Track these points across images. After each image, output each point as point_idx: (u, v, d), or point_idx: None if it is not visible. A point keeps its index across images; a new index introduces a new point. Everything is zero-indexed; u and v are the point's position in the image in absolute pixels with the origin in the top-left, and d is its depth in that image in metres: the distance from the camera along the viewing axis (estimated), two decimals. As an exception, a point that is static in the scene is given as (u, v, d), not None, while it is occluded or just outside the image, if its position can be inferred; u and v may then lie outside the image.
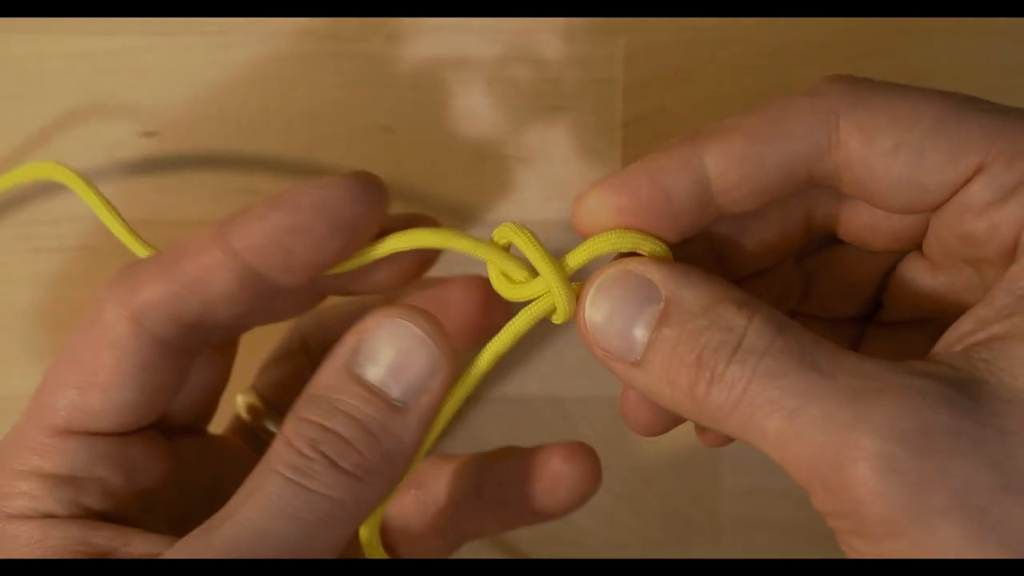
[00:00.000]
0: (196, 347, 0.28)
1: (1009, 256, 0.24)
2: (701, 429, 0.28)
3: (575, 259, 0.26)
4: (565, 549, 0.39)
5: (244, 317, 0.27)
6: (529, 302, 0.26)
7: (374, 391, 0.26)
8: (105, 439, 0.27)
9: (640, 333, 0.24)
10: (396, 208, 0.37)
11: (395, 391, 0.26)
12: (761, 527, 0.39)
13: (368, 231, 0.27)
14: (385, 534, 0.31)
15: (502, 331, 0.27)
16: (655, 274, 0.25)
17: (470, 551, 0.39)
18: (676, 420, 0.27)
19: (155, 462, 0.28)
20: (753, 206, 0.25)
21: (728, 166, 0.25)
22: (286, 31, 0.37)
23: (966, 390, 0.22)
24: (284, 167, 0.37)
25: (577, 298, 0.26)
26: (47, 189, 0.37)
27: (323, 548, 0.25)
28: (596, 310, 0.25)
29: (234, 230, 0.26)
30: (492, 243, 0.27)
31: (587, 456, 0.31)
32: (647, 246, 0.25)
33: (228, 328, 0.28)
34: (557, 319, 0.26)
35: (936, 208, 0.25)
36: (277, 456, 0.25)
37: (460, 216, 0.37)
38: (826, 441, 0.22)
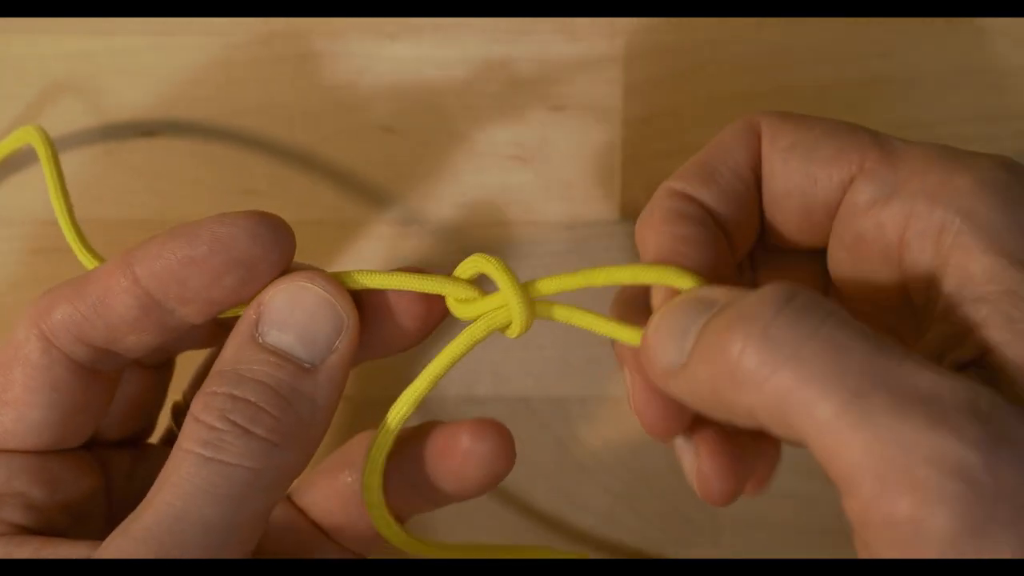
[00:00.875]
0: (118, 369, 0.28)
1: (895, 255, 0.25)
2: (706, 477, 0.27)
3: (550, 285, 0.27)
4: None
5: (161, 341, 0.27)
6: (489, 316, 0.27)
7: (281, 354, 0.26)
8: (24, 455, 0.27)
9: (690, 338, 0.24)
10: (397, 207, 0.38)
11: (303, 353, 0.26)
12: (761, 527, 0.39)
13: (267, 272, 0.27)
14: (324, 517, 0.31)
15: (457, 337, 0.28)
16: (717, 292, 0.25)
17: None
18: (686, 414, 0.27)
19: (82, 476, 0.28)
20: (730, 216, 0.27)
21: (696, 186, 0.27)
22: (286, 31, 0.37)
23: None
24: (284, 167, 0.37)
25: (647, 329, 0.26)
26: (46, 188, 0.37)
27: (247, 522, 0.25)
28: (655, 332, 0.25)
29: (136, 257, 0.26)
30: (430, 274, 0.28)
31: (497, 433, 0.30)
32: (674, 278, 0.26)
33: (152, 351, 0.28)
34: (511, 332, 0.27)
35: (831, 210, 0.27)
36: (187, 435, 0.25)
37: (460, 216, 0.37)
38: (894, 436, 0.21)
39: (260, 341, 0.26)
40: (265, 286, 0.27)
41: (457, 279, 0.28)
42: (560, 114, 0.37)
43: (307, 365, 0.26)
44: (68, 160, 0.37)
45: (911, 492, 0.21)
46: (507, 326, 0.27)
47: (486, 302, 0.27)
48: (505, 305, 0.27)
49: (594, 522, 0.39)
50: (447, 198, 0.37)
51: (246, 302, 0.27)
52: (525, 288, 0.27)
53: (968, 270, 0.24)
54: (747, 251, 0.29)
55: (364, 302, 0.28)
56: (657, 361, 0.25)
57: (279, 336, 0.26)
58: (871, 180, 0.26)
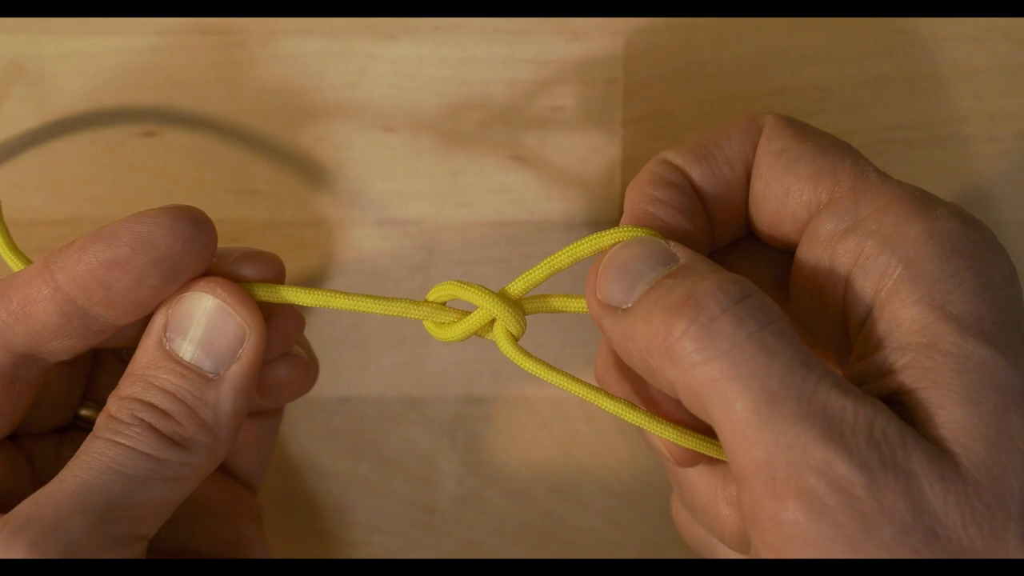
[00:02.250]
0: (38, 373, 0.29)
1: (841, 286, 0.26)
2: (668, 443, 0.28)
3: (520, 284, 0.28)
4: (565, 549, 0.39)
5: (86, 345, 0.28)
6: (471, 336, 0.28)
7: (185, 365, 0.27)
8: None
9: (642, 286, 0.26)
10: (397, 207, 0.37)
11: (206, 363, 0.27)
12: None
13: (192, 268, 0.27)
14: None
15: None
16: (680, 249, 0.26)
17: (470, 552, 0.39)
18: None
19: (6, 466, 0.29)
20: (715, 197, 0.28)
21: (688, 162, 0.28)
22: (286, 31, 0.37)
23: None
24: (284, 167, 0.37)
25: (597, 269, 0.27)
26: (45, 189, 0.37)
27: (147, 505, 0.26)
28: (612, 258, 0.26)
29: (57, 262, 0.27)
30: (404, 301, 0.28)
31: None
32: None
33: (75, 351, 0.28)
34: (502, 337, 0.28)
35: (798, 225, 0.28)
36: (100, 427, 0.26)
37: (461, 216, 0.37)
38: (793, 443, 0.23)
39: (167, 347, 0.27)
40: (186, 283, 0.27)
41: (430, 304, 0.29)
42: (560, 114, 0.37)
43: (211, 375, 0.27)
44: (68, 160, 0.37)
45: (796, 497, 0.22)
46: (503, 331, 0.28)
47: (469, 320, 0.28)
48: (491, 315, 0.28)
49: (594, 522, 0.39)
50: (447, 198, 0.37)
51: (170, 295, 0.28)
52: (501, 294, 0.28)
53: (898, 317, 0.25)
54: (731, 239, 0.30)
55: (280, 313, 0.29)
56: (603, 292, 0.26)
57: (183, 344, 0.27)
58: (835, 211, 0.27)
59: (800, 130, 0.28)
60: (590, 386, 0.28)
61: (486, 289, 0.28)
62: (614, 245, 0.27)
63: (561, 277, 0.29)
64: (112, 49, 0.37)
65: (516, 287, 0.28)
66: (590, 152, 0.37)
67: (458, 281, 0.28)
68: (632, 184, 0.29)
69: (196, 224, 0.27)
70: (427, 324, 0.29)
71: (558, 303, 0.28)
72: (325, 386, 0.38)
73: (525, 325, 0.28)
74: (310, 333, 0.38)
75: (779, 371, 0.23)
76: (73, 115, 0.37)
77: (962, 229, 0.25)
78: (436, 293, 0.29)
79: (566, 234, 0.38)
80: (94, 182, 0.37)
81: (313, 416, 0.39)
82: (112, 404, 0.27)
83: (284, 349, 0.30)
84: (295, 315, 0.30)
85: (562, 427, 0.39)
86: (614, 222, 0.37)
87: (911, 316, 0.24)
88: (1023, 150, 0.37)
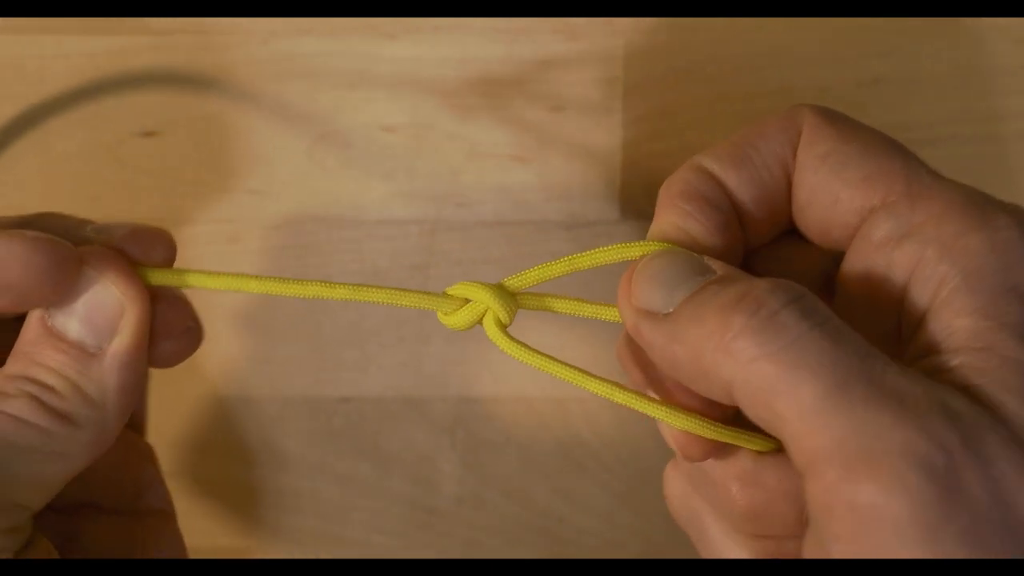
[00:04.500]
0: None
1: (898, 292, 0.26)
2: (680, 435, 0.28)
3: (532, 276, 0.28)
4: (565, 549, 0.39)
5: None
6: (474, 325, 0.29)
7: (67, 340, 0.27)
8: None
9: (682, 292, 0.25)
10: (397, 207, 0.37)
11: (88, 338, 0.27)
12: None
13: (44, 298, 0.27)
14: None
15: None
16: (714, 263, 0.26)
17: (470, 552, 0.39)
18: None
19: None
20: (751, 201, 0.28)
21: (725, 167, 0.27)
22: (286, 31, 0.37)
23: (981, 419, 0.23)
24: (284, 167, 0.37)
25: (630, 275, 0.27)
26: (45, 188, 0.37)
27: (33, 479, 0.27)
28: (647, 265, 0.26)
29: None
30: (416, 292, 0.28)
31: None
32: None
33: None
34: (486, 321, 0.28)
35: (848, 231, 0.27)
36: None
37: (461, 216, 0.37)
38: (867, 426, 0.22)
39: (48, 323, 0.27)
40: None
41: (433, 295, 0.29)
42: (560, 114, 0.37)
43: (92, 349, 0.27)
44: (68, 159, 0.37)
45: (875, 479, 0.22)
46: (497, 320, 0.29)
47: (470, 307, 0.28)
48: (486, 304, 0.28)
49: (594, 522, 0.39)
50: (447, 198, 0.37)
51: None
52: (500, 285, 0.28)
53: (953, 325, 0.24)
54: (767, 240, 0.29)
55: (162, 300, 0.29)
56: (640, 297, 0.26)
57: (64, 320, 0.27)
58: (889, 216, 0.26)
59: (843, 128, 0.27)
60: (581, 371, 0.27)
61: (483, 283, 0.28)
62: (644, 256, 0.27)
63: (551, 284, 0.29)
64: (112, 49, 0.37)
65: (514, 280, 0.28)
66: (590, 152, 0.37)
67: (470, 283, 0.28)
68: (664, 192, 0.28)
69: (52, 259, 0.27)
70: (439, 314, 0.29)
71: (557, 304, 0.28)
72: (325, 386, 0.38)
73: (512, 314, 0.28)
74: (310, 332, 0.38)
75: (846, 359, 0.23)
76: (73, 115, 0.37)
77: (1022, 239, 0.25)
78: (452, 290, 0.29)
79: (566, 234, 0.38)
80: (94, 182, 0.37)
81: (313, 416, 0.39)
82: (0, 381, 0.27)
83: (173, 332, 0.29)
84: (177, 301, 0.29)
85: (562, 427, 0.39)
86: (614, 223, 0.38)
87: (966, 325, 0.24)
88: (1023, 151, 0.37)
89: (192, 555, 0.39)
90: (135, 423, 0.35)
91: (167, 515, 0.34)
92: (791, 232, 0.29)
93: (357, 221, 0.38)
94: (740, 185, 0.27)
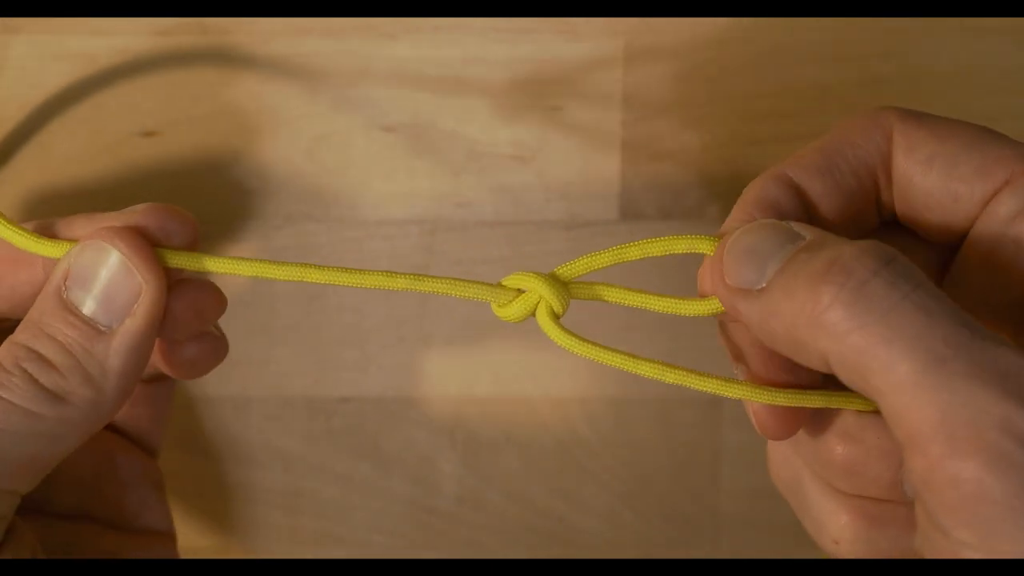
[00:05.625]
0: None
1: None
2: (767, 415, 0.27)
3: (577, 266, 0.28)
4: (565, 549, 0.39)
5: None
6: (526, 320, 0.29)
7: (79, 315, 0.27)
8: None
9: (773, 264, 0.25)
10: (397, 207, 0.37)
11: (100, 314, 0.27)
12: (761, 527, 0.39)
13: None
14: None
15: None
16: (803, 227, 0.25)
17: (470, 552, 0.39)
18: (801, 419, 0.27)
19: None
20: (836, 210, 0.27)
21: (811, 176, 0.27)
22: (286, 30, 0.37)
23: None
24: (284, 167, 0.37)
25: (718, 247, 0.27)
26: (45, 188, 0.37)
27: (21, 460, 0.26)
28: (737, 242, 0.26)
29: None
30: (460, 280, 0.28)
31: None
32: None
33: None
34: (539, 312, 0.28)
35: (972, 223, 0.26)
36: None
37: (461, 216, 0.37)
38: (969, 401, 0.22)
39: (64, 296, 0.27)
40: (90, 232, 0.27)
41: (491, 285, 0.28)
42: (560, 114, 0.37)
43: (103, 328, 0.27)
44: (68, 159, 0.37)
45: (979, 454, 0.21)
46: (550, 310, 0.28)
47: (523, 298, 0.28)
48: (538, 294, 0.28)
49: (594, 522, 0.39)
50: (447, 198, 0.37)
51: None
52: (553, 274, 0.28)
53: None
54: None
55: (193, 288, 0.28)
56: (733, 275, 0.26)
57: (80, 295, 0.27)
58: (1013, 193, 0.26)
59: (936, 126, 0.27)
60: (634, 357, 0.27)
61: (537, 273, 0.28)
62: (727, 238, 0.26)
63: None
64: (112, 49, 0.37)
65: (565, 269, 0.28)
66: (590, 152, 0.37)
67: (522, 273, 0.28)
68: (742, 195, 0.27)
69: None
70: (493, 306, 0.29)
71: (609, 293, 0.28)
72: (325, 386, 0.38)
73: (566, 304, 0.28)
74: (310, 332, 0.38)
75: (942, 330, 0.22)
76: (73, 115, 0.37)
77: None
78: (507, 281, 0.29)
79: (566, 234, 0.38)
80: (94, 182, 0.37)
81: (313, 416, 0.39)
82: (3, 350, 0.27)
83: (198, 328, 0.29)
84: (212, 292, 0.29)
85: (562, 427, 0.39)
86: (614, 223, 0.38)
87: None
88: (1023, 150, 0.37)
89: (192, 555, 0.39)
90: (150, 446, 0.35)
91: (166, 536, 0.34)
92: (877, 231, 0.29)
93: (357, 221, 0.38)
94: (825, 195, 0.27)
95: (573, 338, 0.27)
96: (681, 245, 0.27)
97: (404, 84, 0.37)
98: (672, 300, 0.28)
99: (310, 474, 0.39)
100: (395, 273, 0.28)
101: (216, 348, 0.30)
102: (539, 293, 0.28)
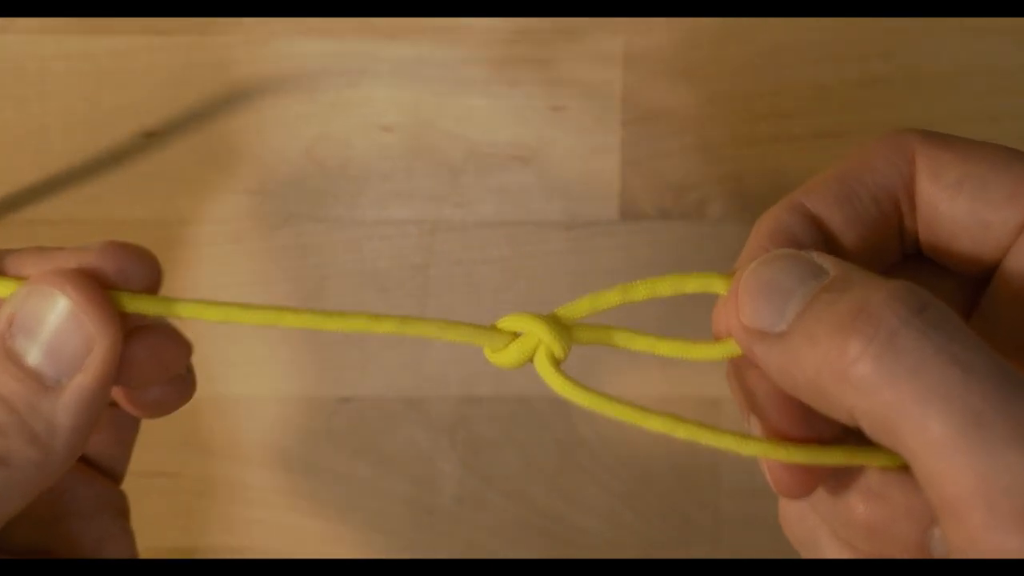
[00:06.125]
0: None
1: None
2: (783, 473, 0.25)
3: (580, 306, 0.25)
4: (565, 549, 0.39)
5: None
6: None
7: (25, 369, 0.24)
8: None
9: (794, 304, 0.23)
10: (397, 207, 0.37)
11: (48, 367, 0.24)
12: (761, 527, 0.39)
13: None
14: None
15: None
16: (826, 259, 0.23)
17: (470, 552, 0.39)
18: (820, 476, 0.25)
19: None
20: (856, 241, 0.25)
21: (829, 205, 0.25)
22: (286, 30, 0.37)
23: None
24: (284, 167, 0.37)
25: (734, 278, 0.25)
26: (46, 189, 0.37)
27: None
28: (753, 277, 0.24)
29: None
30: (453, 323, 0.26)
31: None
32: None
33: None
34: (537, 355, 0.26)
35: (1004, 252, 0.25)
36: None
37: (461, 216, 0.37)
38: (1011, 465, 0.20)
39: (7, 344, 0.24)
40: (38, 274, 0.24)
41: (485, 328, 0.26)
42: (560, 114, 0.37)
43: (50, 382, 0.24)
44: (68, 160, 0.37)
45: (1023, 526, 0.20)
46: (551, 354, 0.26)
47: (521, 342, 0.26)
48: (540, 337, 0.26)
49: (594, 522, 0.39)
50: (447, 198, 0.37)
51: None
52: (553, 316, 0.25)
53: None
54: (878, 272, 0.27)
55: (156, 333, 0.25)
56: (749, 315, 0.23)
57: (25, 344, 0.24)
58: None
59: (962, 149, 0.25)
60: (642, 410, 0.25)
61: (536, 314, 0.25)
62: (741, 273, 0.24)
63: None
64: (112, 49, 0.37)
65: (567, 310, 0.25)
66: (590, 152, 0.37)
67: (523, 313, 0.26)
68: (755, 228, 0.25)
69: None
70: (487, 351, 0.26)
71: (618, 337, 0.25)
72: (325, 386, 0.38)
73: (568, 349, 0.25)
74: (310, 332, 0.38)
75: (980, 386, 0.20)
76: (73, 115, 0.37)
77: None
78: (502, 323, 0.26)
79: (566, 234, 0.38)
80: (94, 182, 0.37)
81: (313, 416, 0.39)
82: None
83: (160, 377, 0.26)
84: (175, 339, 0.26)
85: (562, 427, 0.39)
86: (614, 223, 0.38)
87: None
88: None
89: (191, 555, 0.39)
90: (113, 472, 0.31)
91: None
92: (901, 263, 0.27)
93: (357, 221, 0.38)
94: (845, 225, 0.25)
95: (576, 387, 0.25)
96: (692, 284, 0.25)
97: (404, 84, 0.37)
98: (684, 344, 0.25)
99: (310, 474, 0.39)
100: (380, 316, 0.25)
101: (182, 390, 0.27)
102: (538, 337, 0.26)
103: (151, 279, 0.25)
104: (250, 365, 0.38)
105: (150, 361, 0.25)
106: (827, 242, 0.25)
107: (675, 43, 0.37)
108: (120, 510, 0.31)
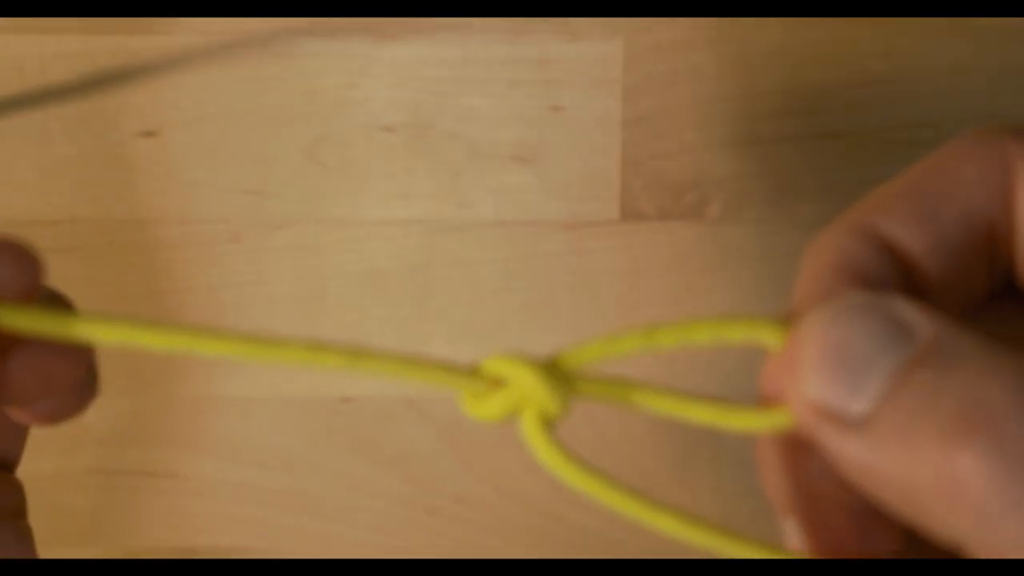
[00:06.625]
0: None
1: None
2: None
3: (591, 350, 0.20)
4: (565, 549, 0.39)
5: None
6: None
7: None
8: None
9: (876, 379, 0.17)
10: (396, 207, 0.37)
11: None
12: (763, 525, 0.39)
13: None
14: None
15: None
16: (913, 312, 0.18)
17: (470, 552, 0.39)
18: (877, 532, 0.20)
19: None
20: (940, 275, 0.20)
21: (908, 227, 0.20)
22: (285, 30, 0.37)
23: None
24: (284, 167, 0.37)
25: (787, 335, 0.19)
26: (45, 189, 0.37)
27: None
28: (819, 337, 0.18)
29: None
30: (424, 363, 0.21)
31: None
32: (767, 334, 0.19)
33: None
34: (525, 414, 0.21)
35: None
36: None
37: (460, 216, 0.37)
38: None
39: None
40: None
41: (461, 372, 0.21)
42: (560, 114, 0.37)
43: None
44: (68, 159, 0.37)
45: None
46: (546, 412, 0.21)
47: (504, 395, 0.21)
48: (530, 390, 0.20)
49: (595, 523, 0.39)
50: (447, 198, 0.37)
51: None
52: (552, 363, 0.20)
53: None
54: (954, 315, 0.20)
55: (33, 347, 0.21)
56: (815, 388, 0.18)
57: None
58: None
59: None
60: (649, 503, 0.20)
61: (529, 359, 0.20)
62: (802, 324, 0.18)
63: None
64: (112, 49, 0.37)
65: (574, 353, 0.20)
66: (590, 152, 0.37)
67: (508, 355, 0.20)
68: (812, 256, 0.20)
69: None
70: (465, 397, 0.22)
71: (632, 394, 0.21)
72: (325, 386, 0.38)
73: (565, 407, 0.20)
74: (310, 332, 0.38)
75: None
76: (73, 115, 0.37)
77: None
78: (487, 364, 0.21)
79: (566, 234, 0.37)
80: (94, 182, 0.37)
81: (313, 416, 0.39)
82: None
83: (46, 395, 0.22)
84: (61, 355, 0.22)
85: (562, 427, 0.39)
86: (614, 223, 0.37)
87: None
88: (1023, 150, 0.37)
89: (191, 555, 0.39)
90: (5, 461, 0.27)
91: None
92: (988, 302, 0.22)
93: (357, 221, 0.38)
94: (928, 255, 0.20)
95: (572, 465, 0.20)
96: (736, 332, 0.19)
97: (404, 84, 0.37)
98: (722, 409, 0.20)
99: (310, 474, 0.39)
100: (324, 346, 0.19)
101: (80, 398, 0.23)
102: (526, 389, 0.20)
103: (26, 281, 0.20)
104: (250, 365, 0.38)
105: (27, 380, 0.21)
106: (905, 275, 0.20)
107: (675, 43, 0.37)
108: (14, 510, 0.26)
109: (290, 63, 0.37)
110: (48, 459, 0.38)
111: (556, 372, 0.20)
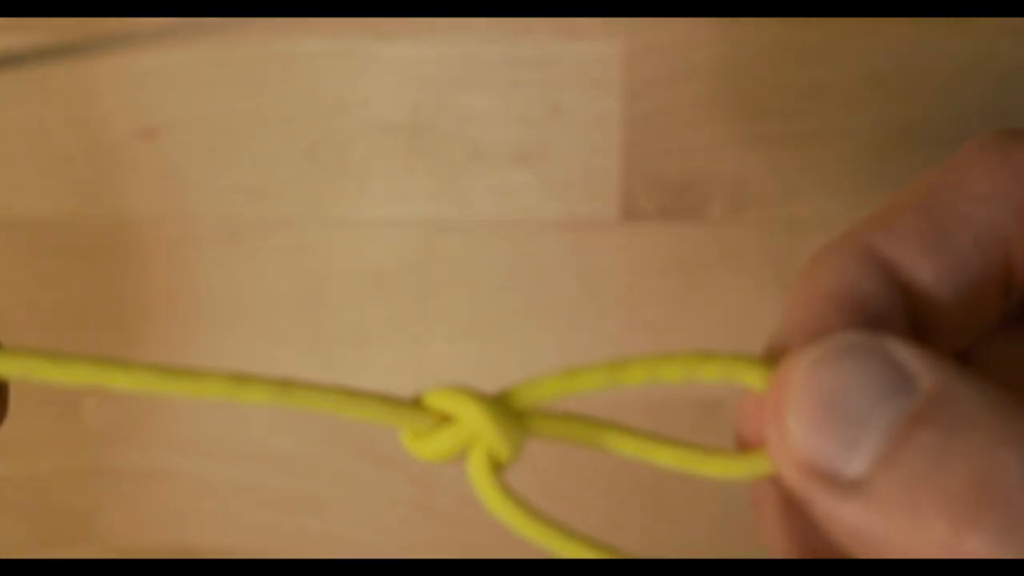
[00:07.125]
0: None
1: None
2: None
3: (547, 387, 0.19)
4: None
5: None
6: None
7: None
8: None
9: (872, 437, 0.16)
10: (396, 207, 0.37)
11: None
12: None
13: None
14: None
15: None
16: (914, 358, 0.16)
17: (470, 552, 0.39)
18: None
19: None
20: (949, 301, 0.18)
21: (914, 249, 0.18)
22: (286, 30, 0.37)
23: None
24: (284, 167, 0.37)
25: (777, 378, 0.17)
26: (45, 188, 0.37)
27: None
28: (809, 384, 0.16)
29: None
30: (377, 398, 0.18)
31: None
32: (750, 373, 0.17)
33: None
34: (473, 456, 0.19)
35: None
36: None
37: (460, 216, 0.37)
38: None
39: None
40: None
41: (402, 404, 0.18)
42: (560, 114, 0.37)
43: None
44: (68, 159, 0.37)
45: None
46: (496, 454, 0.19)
47: (450, 433, 0.18)
48: (478, 429, 0.18)
49: (595, 524, 0.39)
50: (447, 198, 0.37)
51: None
52: (503, 398, 0.18)
53: None
54: (964, 344, 0.19)
55: None
56: (803, 443, 0.16)
57: None
58: None
59: None
60: (612, 550, 0.19)
61: (476, 394, 0.18)
62: (787, 366, 0.16)
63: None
64: (112, 49, 0.37)
65: (529, 388, 0.18)
66: (590, 152, 0.37)
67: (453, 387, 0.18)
68: (805, 281, 0.18)
69: None
70: (406, 434, 0.19)
71: (597, 435, 0.19)
72: (325, 386, 0.38)
73: (518, 448, 0.18)
74: (310, 332, 0.38)
75: None
76: (73, 115, 0.37)
77: None
78: (431, 399, 0.18)
79: (566, 234, 0.38)
80: (94, 182, 0.37)
81: (313, 416, 0.39)
82: None
83: None
84: None
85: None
86: (614, 223, 0.37)
87: None
88: None
89: (192, 555, 0.39)
90: None
91: None
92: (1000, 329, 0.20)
93: (357, 221, 0.38)
94: (937, 280, 0.18)
95: (523, 513, 0.19)
96: (711, 370, 0.17)
97: (404, 84, 0.37)
98: (697, 453, 0.18)
99: (310, 474, 0.39)
100: (248, 378, 0.17)
101: None
102: (474, 428, 0.18)
103: None
104: (251, 365, 0.38)
105: None
106: (909, 303, 0.18)
107: (675, 43, 0.37)
108: None
109: (290, 63, 0.37)
110: (48, 459, 0.38)
111: (507, 409, 0.18)
